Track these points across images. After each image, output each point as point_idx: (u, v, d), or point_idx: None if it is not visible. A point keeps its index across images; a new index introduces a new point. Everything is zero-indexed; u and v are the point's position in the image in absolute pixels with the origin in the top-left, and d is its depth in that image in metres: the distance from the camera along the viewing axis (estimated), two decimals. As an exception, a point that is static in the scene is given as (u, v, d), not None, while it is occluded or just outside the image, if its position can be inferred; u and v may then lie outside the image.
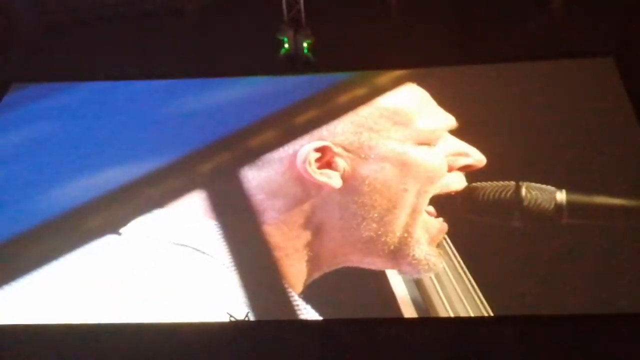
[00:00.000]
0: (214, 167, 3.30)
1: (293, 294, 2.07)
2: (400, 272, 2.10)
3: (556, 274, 2.86)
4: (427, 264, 1.98)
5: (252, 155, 2.64)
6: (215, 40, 4.57)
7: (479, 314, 2.15)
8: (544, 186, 2.26)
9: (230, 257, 2.40)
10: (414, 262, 1.96)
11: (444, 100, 3.50)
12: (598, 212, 2.27)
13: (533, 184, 2.27)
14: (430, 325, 2.33)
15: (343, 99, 2.56)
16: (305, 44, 4.46)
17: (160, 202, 3.27)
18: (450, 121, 2.19)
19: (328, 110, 2.53)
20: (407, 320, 2.34)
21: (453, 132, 2.54)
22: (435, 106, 2.24)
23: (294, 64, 4.18)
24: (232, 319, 2.11)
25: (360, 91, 2.84)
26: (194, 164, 3.39)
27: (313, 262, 1.94)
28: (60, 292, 2.51)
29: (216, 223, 2.41)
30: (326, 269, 2.00)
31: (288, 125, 3.07)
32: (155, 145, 3.76)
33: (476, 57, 3.29)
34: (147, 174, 3.50)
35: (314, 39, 4.40)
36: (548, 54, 3.83)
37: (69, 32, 5.22)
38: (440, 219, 2.29)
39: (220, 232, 2.44)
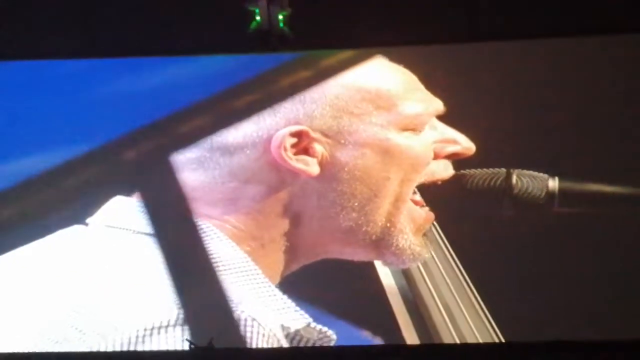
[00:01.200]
0: (140, 154, 3.21)
1: (270, 291, 2.04)
2: (385, 262, 2.07)
3: (544, 262, 2.87)
4: (412, 253, 1.95)
5: (184, 141, 2.60)
6: (171, 12, 4.09)
7: (468, 303, 2.14)
8: (535, 173, 2.24)
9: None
10: (397, 252, 1.92)
11: (437, 81, 3.46)
12: (591, 200, 2.23)
13: (525, 171, 2.25)
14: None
15: (286, 80, 2.50)
16: (280, 17, 4.14)
17: (77, 192, 3.21)
18: (438, 105, 2.14)
19: (271, 92, 2.48)
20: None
21: (441, 118, 2.51)
22: (422, 89, 2.20)
23: (267, 41, 3.79)
24: (193, 347, 2.07)
25: (305, 73, 2.81)
26: (118, 151, 3.30)
27: (290, 252, 1.91)
28: None
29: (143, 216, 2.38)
30: (305, 260, 1.96)
31: (229, 108, 3.00)
32: (84, 130, 3.64)
33: (479, 33, 3.16)
34: (68, 161, 3.41)
35: (292, 11, 4.08)
36: (564, 30, 3.71)
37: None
38: (427, 208, 2.26)
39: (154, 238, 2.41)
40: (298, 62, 2.70)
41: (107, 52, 3.74)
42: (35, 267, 2.13)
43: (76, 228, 2.32)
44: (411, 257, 1.92)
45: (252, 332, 1.76)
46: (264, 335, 1.72)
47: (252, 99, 2.42)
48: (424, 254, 1.95)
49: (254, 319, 1.73)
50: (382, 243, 1.90)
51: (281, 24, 3.92)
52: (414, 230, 1.96)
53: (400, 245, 1.89)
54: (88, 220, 2.33)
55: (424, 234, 2.08)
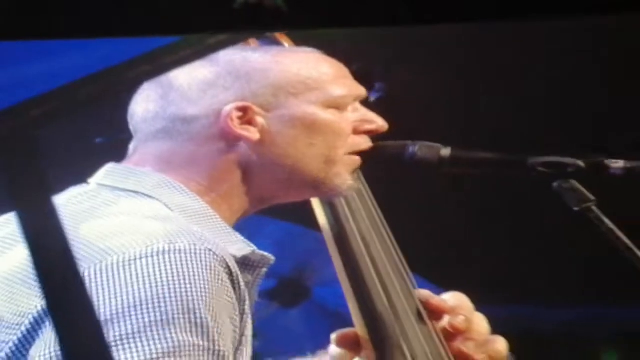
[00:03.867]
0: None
1: (225, 229, 2.45)
2: (322, 197, 2.51)
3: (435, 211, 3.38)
4: (347, 187, 2.40)
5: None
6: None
7: (382, 239, 2.59)
8: (434, 144, 2.65)
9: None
10: (334, 188, 2.38)
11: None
12: (472, 163, 2.69)
13: (425, 143, 2.64)
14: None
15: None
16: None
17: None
18: (361, 91, 2.48)
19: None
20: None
21: (367, 104, 2.87)
22: (349, 77, 2.54)
23: (257, 17, 3.61)
24: None
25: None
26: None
27: (243, 202, 2.31)
28: None
29: None
30: (257, 206, 2.37)
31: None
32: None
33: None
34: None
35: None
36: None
37: None
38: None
39: None
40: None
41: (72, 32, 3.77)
42: None
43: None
44: (346, 189, 2.39)
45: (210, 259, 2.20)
46: (219, 260, 2.18)
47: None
48: (355, 186, 2.42)
49: (209, 249, 2.17)
50: (319, 184, 2.36)
51: None
52: (347, 171, 2.39)
53: (338, 182, 2.36)
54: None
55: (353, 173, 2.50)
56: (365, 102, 3.20)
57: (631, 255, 2.40)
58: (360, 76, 3.44)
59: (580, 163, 2.48)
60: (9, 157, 1.45)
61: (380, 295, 2.33)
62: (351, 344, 2.31)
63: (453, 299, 2.38)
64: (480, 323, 2.37)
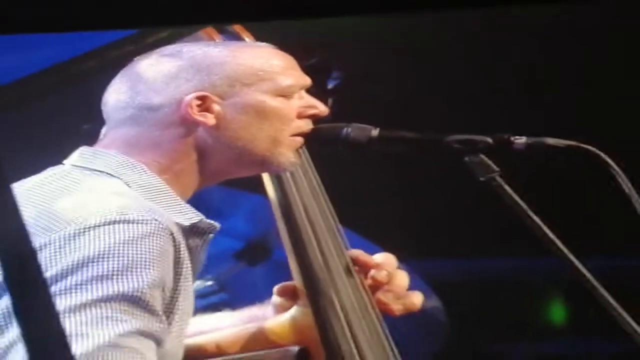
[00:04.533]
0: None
1: (178, 203, 2.69)
2: (269, 171, 2.81)
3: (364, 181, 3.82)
4: (291, 164, 2.71)
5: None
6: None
7: (324, 208, 2.90)
8: (365, 126, 2.93)
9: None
10: (279, 165, 2.68)
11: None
12: (398, 142, 2.99)
13: (358, 124, 2.91)
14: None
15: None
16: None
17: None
18: (306, 81, 2.79)
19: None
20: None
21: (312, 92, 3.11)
22: (297, 68, 2.83)
23: (279, 3, 3.37)
24: None
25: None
26: None
27: (198, 178, 2.63)
28: None
29: None
30: (211, 182, 2.70)
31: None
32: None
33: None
34: None
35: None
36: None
37: None
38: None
39: None
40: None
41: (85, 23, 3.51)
42: None
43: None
44: (289, 166, 2.70)
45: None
46: (163, 229, 2.48)
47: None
48: (297, 162, 2.72)
49: (155, 219, 2.48)
50: (267, 162, 2.67)
51: None
52: (290, 150, 2.69)
53: (282, 160, 2.66)
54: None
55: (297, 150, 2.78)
56: (323, 89, 3.52)
57: (526, 216, 2.78)
58: (319, 67, 3.75)
59: (489, 139, 2.79)
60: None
61: (315, 254, 2.67)
62: (289, 294, 2.67)
63: (380, 257, 2.74)
64: (401, 278, 2.73)
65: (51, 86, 3.55)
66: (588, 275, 2.58)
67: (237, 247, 3.89)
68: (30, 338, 1.32)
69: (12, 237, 1.34)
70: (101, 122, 2.67)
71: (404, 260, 3.41)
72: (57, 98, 3.62)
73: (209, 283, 3.48)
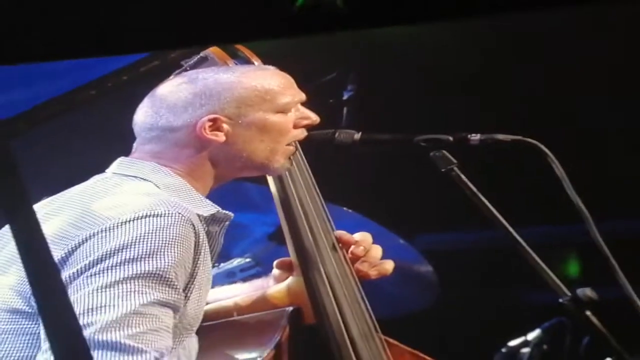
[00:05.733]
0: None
1: (198, 198, 2.83)
2: (267, 173, 3.00)
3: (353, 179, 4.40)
4: (285, 168, 2.93)
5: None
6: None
7: (316, 202, 3.11)
8: (350, 131, 3.25)
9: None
10: (275, 169, 2.90)
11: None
12: (376, 143, 3.33)
13: (346, 130, 3.25)
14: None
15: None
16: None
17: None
18: (302, 96, 2.98)
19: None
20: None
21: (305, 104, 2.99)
22: (294, 87, 2.75)
23: (316, 19, 3.02)
24: None
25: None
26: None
27: (211, 181, 2.88)
28: None
29: None
30: (222, 182, 2.92)
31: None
32: None
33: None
34: None
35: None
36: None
37: None
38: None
39: None
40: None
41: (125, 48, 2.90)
42: None
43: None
44: (282, 169, 2.92)
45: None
46: (185, 220, 2.65)
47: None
48: (289, 166, 2.93)
49: (179, 213, 2.65)
50: (264, 168, 2.89)
51: None
52: (284, 157, 2.90)
53: (277, 166, 2.88)
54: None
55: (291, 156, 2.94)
56: (340, 100, 3.84)
57: (477, 198, 3.09)
58: (336, 81, 4.05)
59: (450, 138, 3.13)
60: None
61: (307, 234, 3.00)
62: (286, 267, 3.03)
63: (359, 236, 3.11)
64: (376, 251, 3.10)
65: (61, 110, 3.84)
66: (521, 240, 3.01)
67: (270, 231, 4.34)
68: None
69: (38, 245, 1.44)
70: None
71: (404, 235, 3.85)
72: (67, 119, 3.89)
73: (248, 260, 3.79)
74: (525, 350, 4.33)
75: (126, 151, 2.93)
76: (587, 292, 2.86)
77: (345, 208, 4.23)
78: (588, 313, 2.87)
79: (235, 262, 3.61)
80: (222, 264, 3.54)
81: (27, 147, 3.74)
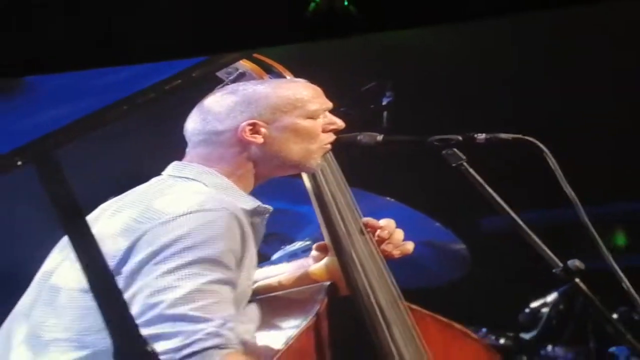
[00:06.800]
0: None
1: (243, 195, 2.99)
2: (303, 171, 3.19)
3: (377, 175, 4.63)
4: (317, 165, 3.13)
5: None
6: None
7: (347, 194, 3.32)
8: (372, 133, 3.42)
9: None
10: (310, 167, 3.10)
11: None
12: (395, 143, 3.46)
13: (368, 133, 3.41)
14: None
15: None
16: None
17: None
18: (329, 104, 3.11)
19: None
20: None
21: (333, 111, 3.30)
22: (322, 96, 3.09)
23: (329, 24, 2.29)
24: None
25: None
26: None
27: (253, 180, 3.06)
28: None
29: None
30: (262, 181, 3.10)
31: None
32: None
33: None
34: None
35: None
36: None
37: None
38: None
39: None
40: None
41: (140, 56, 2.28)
42: None
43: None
44: (316, 167, 3.11)
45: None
46: (230, 214, 2.84)
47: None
48: (321, 165, 3.11)
49: (225, 208, 2.85)
50: (300, 166, 3.06)
51: (345, 1, 2.32)
52: (317, 157, 3.07)
53: (311, 165, 3.06)
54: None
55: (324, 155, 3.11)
56: (378, 105, 3.92)
57: (483, 190, 3.32)
58: (376, 89, 4.08)
59: (459, 137, 3.37)
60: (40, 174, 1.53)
61: (339, 221, 3.20)
62: (322, 249, 3.25)
63: (384, 221, 3.29)
64: (398, 234, 3.30)
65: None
66: (524, 225, 3.28)
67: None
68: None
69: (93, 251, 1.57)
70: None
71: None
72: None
73: (307, 243, 3.93)
74: (545, 310, 4.73)
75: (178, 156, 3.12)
76: (576, 263, 3.18)
77: (388, 198, 4.58)
78: (577, 280, 3.20)
79: (297, 245, 3.85)
80: (287, 247, 3.86)
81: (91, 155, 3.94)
